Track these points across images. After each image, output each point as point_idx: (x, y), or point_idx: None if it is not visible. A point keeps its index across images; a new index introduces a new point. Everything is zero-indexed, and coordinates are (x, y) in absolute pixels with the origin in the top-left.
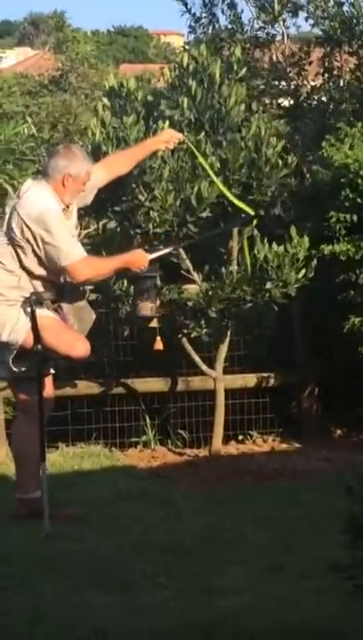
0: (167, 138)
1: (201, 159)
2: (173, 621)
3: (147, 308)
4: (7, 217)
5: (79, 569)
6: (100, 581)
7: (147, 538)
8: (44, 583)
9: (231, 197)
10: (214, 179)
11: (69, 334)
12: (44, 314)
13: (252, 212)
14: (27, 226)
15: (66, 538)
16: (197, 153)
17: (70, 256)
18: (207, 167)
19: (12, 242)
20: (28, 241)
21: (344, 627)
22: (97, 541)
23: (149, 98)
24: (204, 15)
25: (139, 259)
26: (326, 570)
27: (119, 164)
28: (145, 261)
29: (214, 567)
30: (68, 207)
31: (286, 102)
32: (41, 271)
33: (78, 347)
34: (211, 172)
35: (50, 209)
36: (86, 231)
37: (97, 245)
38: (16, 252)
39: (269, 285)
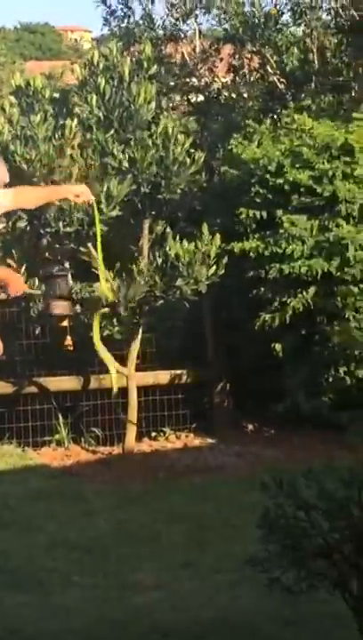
0: (79, 192)
1: (98, 225)
2: (88, 619)
3: (59, 306)
4: None
5: None
6: (13, 581)
7: (60, 536)
8: None
9: (102, 269)
10: (98, 244)
11: None
12: None
13: (109, 296)
14: None
15: None
16: (96, 215)
17: None
18: (98, 234)
19: None
20: None
21: (257, 619)
22: (10, 541)
23: (56, 95)
24: (120, 7)
25: (18, 282)
26: (239, 564)
27: (28, 199)
28: (22, 287)
29: (128, 564)
30: None
31: (196, 99)
32: None
33: None
34: (98, 240)
35: None
36: None
37: (8, 243)
38: None
39: (179, 282)
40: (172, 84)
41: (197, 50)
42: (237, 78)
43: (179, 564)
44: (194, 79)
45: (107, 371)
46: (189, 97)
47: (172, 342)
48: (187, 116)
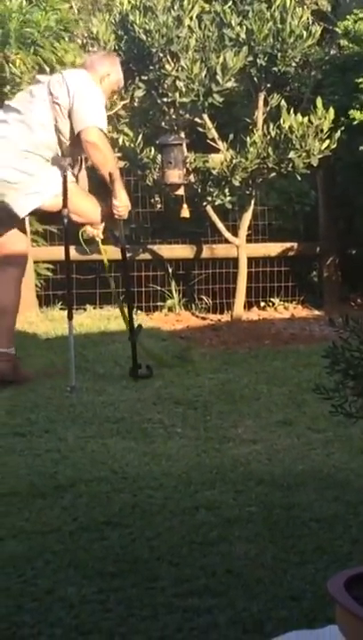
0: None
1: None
2: (187, 465)
3: (174, 175)
4: (51, 79)
5: (101, 418)
6: (119, 429)
7: (166, 392)
8: (67, 430)
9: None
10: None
11: (94, 201)
12: (73, 180)
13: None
14: (69, 86)
15: (89, 391)
16: (103, 251)
17: (94, 120)
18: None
19: (52, 98)
20: (67, 99)
21: (347, 474)
22: (118, 394)
23: None
24: None
25: (124, 202)
26: (335, 424)
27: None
28: (123, 211)
29: (228, 420)
30: None
31: None
32: (69, 137)
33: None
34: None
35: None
36: (122, 103)
37: (132, 117)
38: (54, 111)
39: (292, 155)
40: None
41: None
42: None
43: (277, 421)
44: None
45: (220, 241)
46: None
47: (291, 218)
48: None
